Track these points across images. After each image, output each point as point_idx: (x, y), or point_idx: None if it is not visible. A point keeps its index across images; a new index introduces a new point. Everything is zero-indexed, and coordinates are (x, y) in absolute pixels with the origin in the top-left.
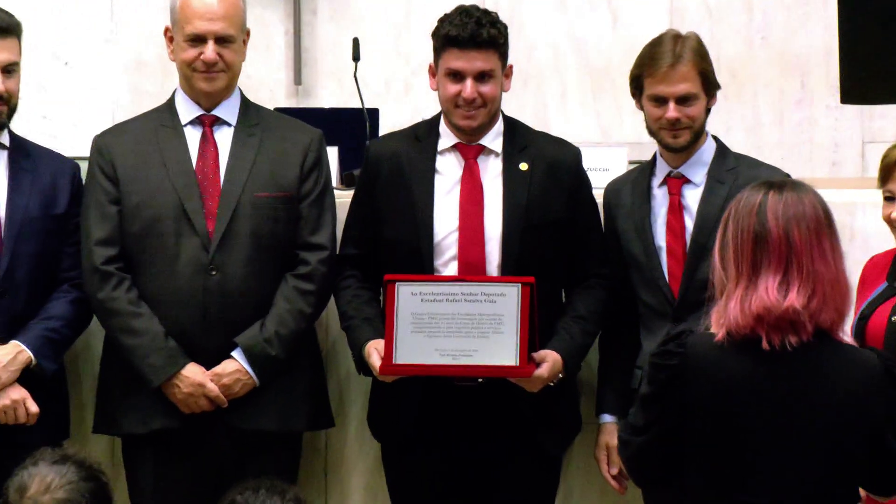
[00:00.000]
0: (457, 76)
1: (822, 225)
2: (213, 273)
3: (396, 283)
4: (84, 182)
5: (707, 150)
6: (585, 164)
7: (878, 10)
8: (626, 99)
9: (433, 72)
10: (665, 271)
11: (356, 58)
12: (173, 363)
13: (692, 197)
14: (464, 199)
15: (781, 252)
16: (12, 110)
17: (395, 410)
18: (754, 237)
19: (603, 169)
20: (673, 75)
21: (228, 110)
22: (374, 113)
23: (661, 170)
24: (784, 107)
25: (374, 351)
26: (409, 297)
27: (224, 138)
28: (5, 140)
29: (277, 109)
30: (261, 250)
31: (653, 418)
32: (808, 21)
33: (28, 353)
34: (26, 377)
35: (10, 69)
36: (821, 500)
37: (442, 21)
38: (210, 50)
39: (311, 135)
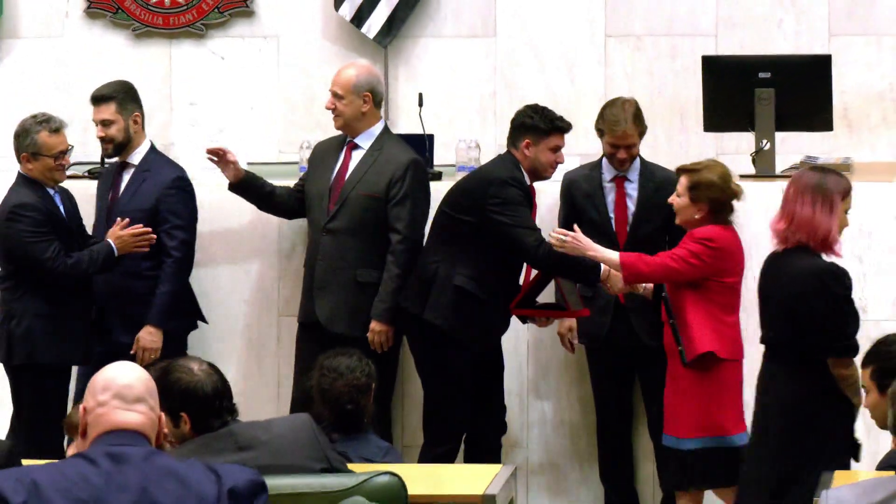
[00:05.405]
0: (557, 149)
1: (817, 191)
2: (324, 234)
3: None
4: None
5: (637, 161)
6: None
7: (727, 76)
8: (579, 128)
9: (528, 145)
10: (613, 227)
11: (420, 104)
12: None
13: (630, 187)
14: None
15: (785, 201)
16: (118, 146)
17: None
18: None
19: (566, 168)
20: (623, 137)
21: (365, 139)
22: (430, 137)
23: (609, 172)
24: (671, 133)
25: None
26: None
27: (357, 156)
28: (136, 160)
29: None
30: (354, 224)
31: None
32: (686, 82)
33: (159, 336)
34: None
35: (108, 123)
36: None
37: (543, 118)
38: (328, 101)
39: (405, 160)
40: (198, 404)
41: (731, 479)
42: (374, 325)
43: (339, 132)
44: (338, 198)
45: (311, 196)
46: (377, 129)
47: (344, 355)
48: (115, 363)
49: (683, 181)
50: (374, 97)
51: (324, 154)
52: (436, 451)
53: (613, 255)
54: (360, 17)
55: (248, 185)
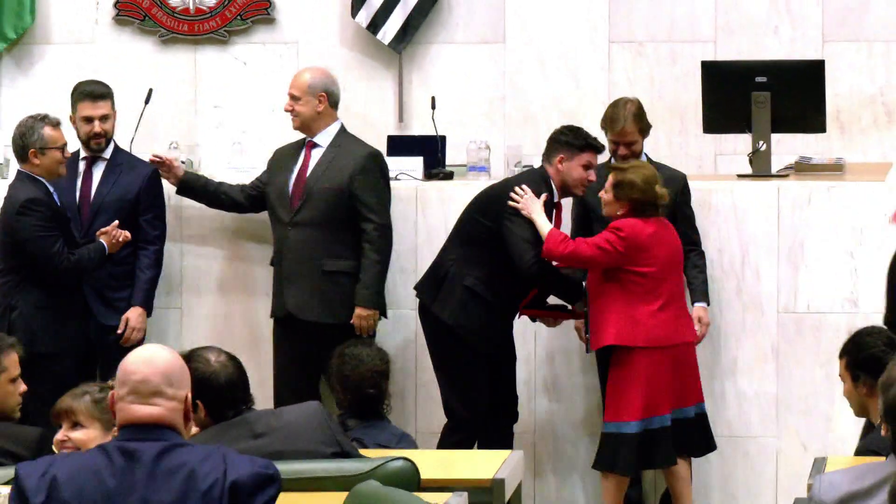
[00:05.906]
0: (589, 167)
1: None
2: (290, 228)
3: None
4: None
5: (643, 158)
6: None
7: (725, 80)
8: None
9: (562, 160)
10: None
11: (433, 107)
12: None
13: None
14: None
15: None
16: (109, 140)
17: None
18: None
19: None
20: (623, 134)
21: (323, 138)
22: (442, 138)
23: None
24: (672, 135)
25: None
26: None
27: (317, 154)
28: (107, 155)
29: (388, 136)
30: (319, 216)
31: None
32: (686, 86)
33: (145, 317)
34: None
35: (106, 118)
36: None
37: (577, 135)
38: (286, 104)
39: (364, 154)
40: (212, 394)
41: (623, 465)
42: (359, 310)
43: (298, 137)
44: (301, 193)
45: (273, 196)
46: (334, 128)
47: (363, 344)
48: (137, 350)
49: (610, 178)
50: (329, 97)
51: (283, 156)
52: (454, 439)
53: (546, 228)
54: (375, 24)
55: (191, 186)
